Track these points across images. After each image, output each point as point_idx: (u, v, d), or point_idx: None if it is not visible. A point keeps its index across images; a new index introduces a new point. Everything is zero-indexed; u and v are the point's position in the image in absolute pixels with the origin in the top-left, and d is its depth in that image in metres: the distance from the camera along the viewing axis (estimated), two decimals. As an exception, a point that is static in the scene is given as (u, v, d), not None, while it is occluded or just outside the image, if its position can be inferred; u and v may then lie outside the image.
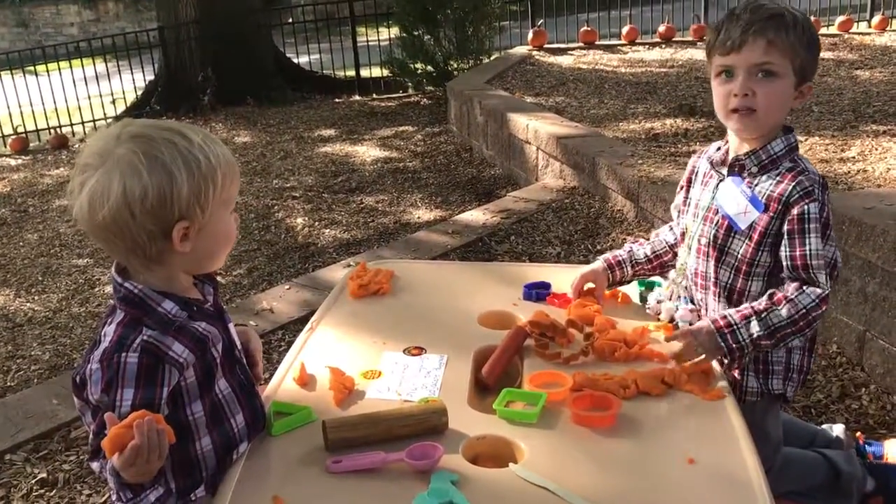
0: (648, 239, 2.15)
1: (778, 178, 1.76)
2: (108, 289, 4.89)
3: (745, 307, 1.74)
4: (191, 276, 1.52)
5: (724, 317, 1.74)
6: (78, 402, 1.47)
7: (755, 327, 1.70)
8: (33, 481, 2.71)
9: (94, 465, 1.40)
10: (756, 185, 1.79)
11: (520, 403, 1.62)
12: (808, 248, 1.70)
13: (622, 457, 1.46)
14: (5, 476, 2.76)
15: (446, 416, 1.52)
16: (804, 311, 1.69)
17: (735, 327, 1.71)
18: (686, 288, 1.94)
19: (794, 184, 1.73)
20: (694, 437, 1.51)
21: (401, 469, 1.42)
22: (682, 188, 2.01)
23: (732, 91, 1.76)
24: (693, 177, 1.97)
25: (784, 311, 1.69)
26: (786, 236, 1.73)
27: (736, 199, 1.81)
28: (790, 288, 1.71)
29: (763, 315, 1.70)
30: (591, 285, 2.07)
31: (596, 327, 1.87)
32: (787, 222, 1.73)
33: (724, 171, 1.86)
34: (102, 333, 1.43)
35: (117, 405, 1.34)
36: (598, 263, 2.10)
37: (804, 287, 1.70)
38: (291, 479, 1.42)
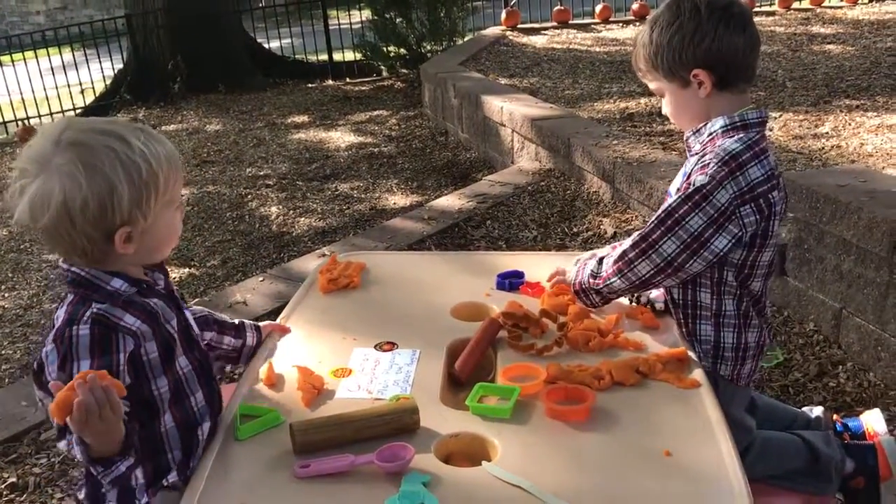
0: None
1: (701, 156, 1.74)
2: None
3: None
4: (140, 268, 1.52)
5: (590, 257, 1.89)
6: (39, 392, 1.46)
7: (591, 265, 1.84)
8: (3, 486, 2.66)
9: (62, 445, 1.40)
10: (690, 164, 1.78)
11: (493, 398, 1.58)
12: (667, 204, 1.71)
13: (597, 451, 1.43)
14: (-26, 481, 2.70)
15: (417, 415, 1.48)
16: (621, 251, 1.77)
17: (585, 266, 1.87)
18: None
19: (698, 157, 1.73)
20: (669, 429, 1.48)
21: (371, 471, 1.38)
22: None
23: None
24: None
25: (614, 253, 1.79)
26: None
27: (678, 178, 1.83)
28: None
29: (605, 258, 1.82)
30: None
31: (570, 317, 1.83)
32: None
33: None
34: (55, 318, 1.44)
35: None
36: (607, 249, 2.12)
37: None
38: (258, 485, 1.38)
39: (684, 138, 1.83)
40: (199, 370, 1.56)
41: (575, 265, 1.94)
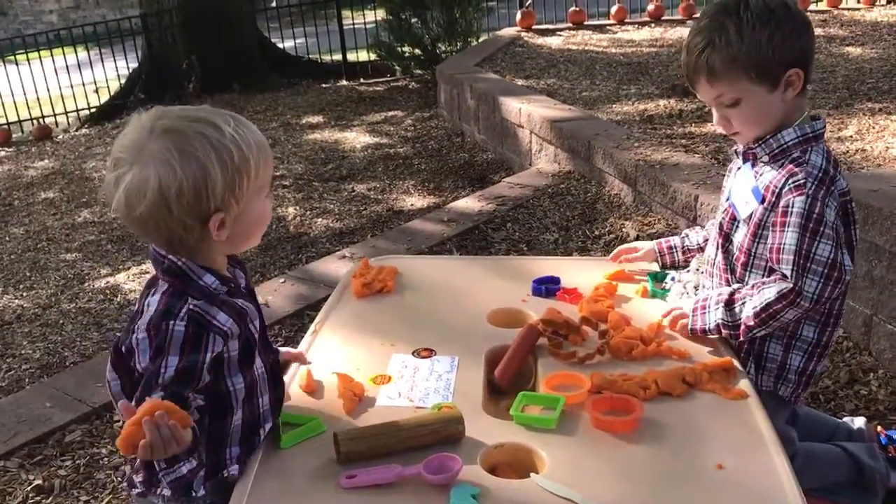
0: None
1: (779, 169, 1.69)
2: (98, 283, 4.82)
3: (727, 291, 1.74)
4: (226, 259, 1.53)
5: (706, 297, 1.76)
6: (113, 373, 1.48)
7: (720, 314, 1.71)
8: (28, 488, 2.64)
9: None
10: (761, 175, 1.73)
11: (537, 408, 1.56)
12: (783, 241, 1.63)
13: (648, 464, 1.41)
14: (-1, 483, 2.69)
15: (463, 425, 1.46)
16: (764, 304, 1.64)
17: (707, 310, 1.74)
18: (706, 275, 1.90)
19: (788, 175, 1.66)
20: (720, 440, 1.45)
21: (418, 482, 1.36)
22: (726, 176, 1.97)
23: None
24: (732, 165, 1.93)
25: (750, 302, 1.67)
26: (770, 228, 1.69)
27: (743, 188, 1.77)
28: (764, 280, 1.69)
29: (734, 303, 1.70)
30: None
31: (610, 324, 1.81)
32: (773, 214, 1.68)
33: (741, 159, 1.80)
34: (145, 304, 1.44)
35: (161, 372, 1.34)
36: (650, 243, 2.11)
37: (774, 280, 1.65)
38: (303, 496, 1.36)
39: (744, 147, 1.78)
40: (269, 373, 1.55)
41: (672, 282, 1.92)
